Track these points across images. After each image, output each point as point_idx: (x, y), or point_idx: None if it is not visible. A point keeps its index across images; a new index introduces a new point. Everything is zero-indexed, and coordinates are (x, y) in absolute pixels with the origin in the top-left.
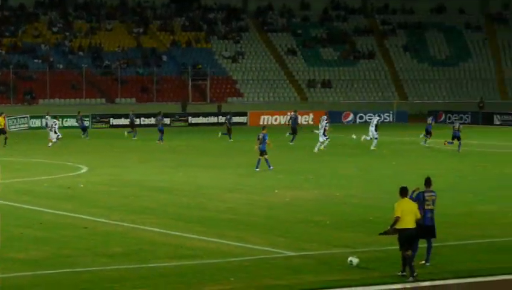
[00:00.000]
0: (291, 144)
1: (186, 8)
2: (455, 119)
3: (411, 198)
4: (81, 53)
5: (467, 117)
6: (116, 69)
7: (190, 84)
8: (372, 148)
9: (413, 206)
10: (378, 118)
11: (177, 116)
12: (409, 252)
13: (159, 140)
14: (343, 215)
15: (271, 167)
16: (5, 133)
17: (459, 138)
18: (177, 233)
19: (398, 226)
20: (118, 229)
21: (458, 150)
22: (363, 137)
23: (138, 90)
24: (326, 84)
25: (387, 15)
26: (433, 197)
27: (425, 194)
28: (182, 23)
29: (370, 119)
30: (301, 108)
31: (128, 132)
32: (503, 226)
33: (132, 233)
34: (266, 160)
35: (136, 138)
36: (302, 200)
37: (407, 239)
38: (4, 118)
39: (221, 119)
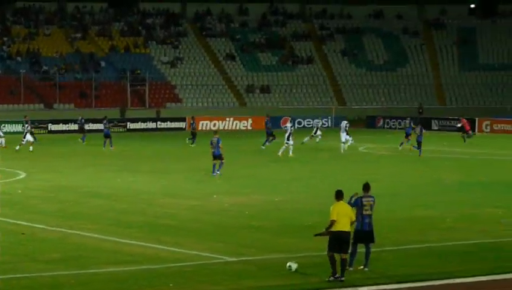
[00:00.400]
0: (262, 147)
1: (124, 13)
2: (415, 124)
3: (349, 203)
4: (19, 58)
5: (405, 122)
6: (54, 74)
7: (129, 89)
8: (342, 152)
9: (348, 209)
10: (346, 121)
11: (115, 122)
12: (343, 255)
13: (105, 145)
14: (282, 220)
15: (217, 173)
16: None
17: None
18: (115, 239)
19: (333, 228)
20: (56, 235)
21: (419, 154)
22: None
23: (77, 96)
24: (265, 89)
25: (326, 20)
26: (371, 203)
27: (363, 199)
28: (121, 28)
29: (309, 124)
30: (240, 113)
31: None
32: (441, 231)
33: (70, 239)
34: (217, 165)
35: (85, 143)
36: (241, 206)
37: (340, 242)
38: None
39: (160, 124)
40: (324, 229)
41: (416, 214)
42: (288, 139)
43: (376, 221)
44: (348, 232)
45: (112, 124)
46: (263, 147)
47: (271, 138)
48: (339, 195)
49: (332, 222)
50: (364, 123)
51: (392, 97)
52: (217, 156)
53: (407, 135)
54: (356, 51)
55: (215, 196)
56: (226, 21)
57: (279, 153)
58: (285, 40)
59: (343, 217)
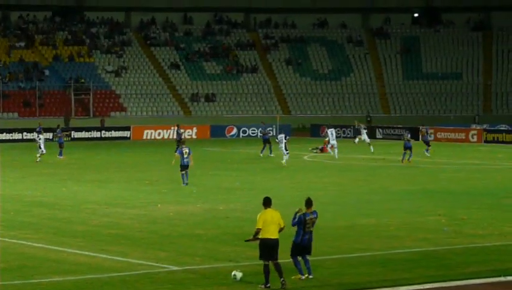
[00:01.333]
0: (261, 155)
1: (68, 22)
2: (404, 131)
3: (294, 219)
4: None
5: (350, 131)
6: None
7: (73, 98)
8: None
9: (276, 216)
10: (283, 135)
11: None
12: (274, 262)
13: (59, 155)
14: (226, 229)
15: (186, 183)
16: None
17: (410, 149)
18: (59, 248)
19: (261, 236)
20: None
21: (409, 160)
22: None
23: (20, 105)
24: (210, 98)
25: (270, 29)
26: (314, 220)
27: (307, 218)
28: (65, 37)
29: (254, 133)
30: (185, 122)
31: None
32: (385, 239)
33: (13, 249)
34: (186, 174)
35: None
36: (185, 215)
37: (269, 249)
38: None
39: (105, 133)
40: (252, 236)
41: (360, 222)
42: (286, 149)
43: (320, 229)
44: (275, 239)
45: (55, 132)
46: (261, 155)
47: (268, 145)
48: (266, 202)
49: (258, 231)
50: (309, 132)
51: (337, 106)
52: (186, 166)
53: (408, 148)
54: (300, 60)
55: (159, 205)
56: (171, 30)
57: (283, 162)
58: (229, 49)
59: (270, 225)
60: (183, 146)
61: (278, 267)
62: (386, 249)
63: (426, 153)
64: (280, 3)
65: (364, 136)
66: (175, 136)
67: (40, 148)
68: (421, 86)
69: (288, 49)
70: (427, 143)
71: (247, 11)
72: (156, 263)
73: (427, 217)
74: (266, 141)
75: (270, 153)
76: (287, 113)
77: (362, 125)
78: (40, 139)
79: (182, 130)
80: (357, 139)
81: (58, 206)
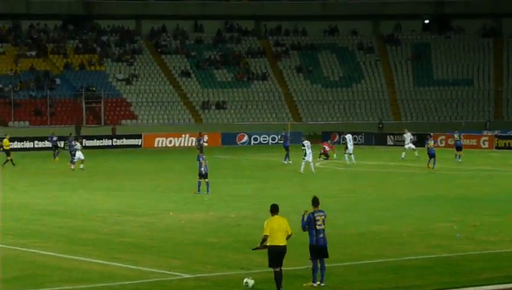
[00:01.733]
0: (284, 162)
1: (79, 30)
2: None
3: (303, 224)
4: None
5: (361, 138)
6: (9, 92)
7: (84, 106)
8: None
9: (284, 223)
10: (308, 141)
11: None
12: (278, 269)
13: (70, 163)
14: (238, 236)
15: (207, 193)
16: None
17: (434, 156)
18: (70, 256)
19: (269, 243)
20: (10, 253)
21: (433, 167)
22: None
23: (32, 114)
24: (221, 105)
25: (280, 36)
26: (323, 217)
27: (315, 215)
28: (75, 45)
29: (265, 140)
30: (196, 130)
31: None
32: (397, 245)
33: (25, 257)
34: (207, 184)
35: (57, 159)
36: (197, 222)
37: (276, 256)
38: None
39: (116, 141)
40: (259, 244)
41: (372, 229)
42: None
43: (331, 236)
44: (283, 246)
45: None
46: (285, 162)
47: (287, 152)
48: (273, 209)
49: (265, 237)
50: (320, 139)
51: (348, 113)
52: (204, 175)
53: (433, 156)
54: (311, 67)
55: (171, 213)
56: (181, 38)
57: (313, 170)
58: (240, 57)
59: (277, 232)
60: (201, 154)
61: (276, 275)
62: (398, 255)
63: (458, 159)
64: (290, 11)
65: (409, 143)
66: (195, 144)
67: (75, 156)
68: (432, 92)
69: (299, 56)
70: (459, 148)
71: (258, 19)
72: (168, 271)
73: (439, 223)
74: (287, 148)
75: (288, 160)
76: (298, 120)
77: (409, 133)
78: (75, 146)
79: (203, 138)
80: (408, 146)
81: (69, 215)
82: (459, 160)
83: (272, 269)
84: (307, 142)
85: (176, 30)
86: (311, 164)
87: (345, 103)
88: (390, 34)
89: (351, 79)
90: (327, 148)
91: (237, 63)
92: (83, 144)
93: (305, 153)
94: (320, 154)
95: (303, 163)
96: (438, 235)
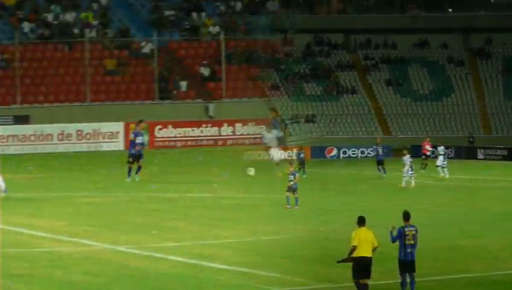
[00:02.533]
0: (384, 175)
1: None
2: None
3: (392, 236)
4: None
5: (451, 151)
6: None
7: None
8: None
9: (370, 235)
10: (409, 155)
11: None
12: (366, 281)
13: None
14: (326, 250)
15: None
16: None
17: None
18: None
19: (355, 254)
20: None
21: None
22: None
23: None
24: (310, 119)
25: (370, 50)
26: (413, 233)
27: (405, 229)
28: None
29: (354, 154)
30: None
31: None
32: (487, 260)
33: None
34: (296, 199)
35: None
36: (286, 235)
37: (363, 267)
38: None
39: None
40: (347, 255)
41: (462, 243)
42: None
43: (420, 250)
44: (369, 258)
45: None
46: (384, 175)
47: (380, 166)
48: (361, 221)
49: (354, 248)
50: (410, 152)
51: (438, 127)
52: (294, 189)
53: None
54: (401, 80)
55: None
56: (270, 52)
57: (413, 184)
58: (329, 70)
59: (365, 243)
60: (291, 168)
61: (366, 287)
62: (488, 270)
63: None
64: (380, 24)
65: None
66: (295, 157)
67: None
68: None
69: (389, 69)
70: None
71: (347, 32)
72: (257, 285)
73: None
74: (380, 162)
75: (383, 173)
76: (387, 134)
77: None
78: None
79: (302, 152)
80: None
81: None
82: None
83: (354, 281)
84: (407, 157)
85: (265, 44)
86: (412, 177)
87: (435, 117)
88: (481, 47)
89: (441, 92)
90: (428, 147)
91: (327, 76)
92: None
93: (407, 167)
94: (422, 160)
95: (405, 178)
96: None
